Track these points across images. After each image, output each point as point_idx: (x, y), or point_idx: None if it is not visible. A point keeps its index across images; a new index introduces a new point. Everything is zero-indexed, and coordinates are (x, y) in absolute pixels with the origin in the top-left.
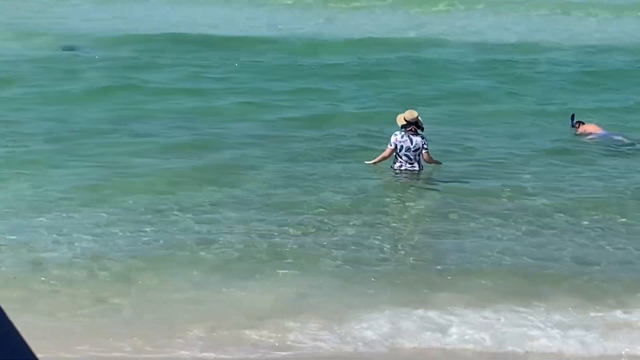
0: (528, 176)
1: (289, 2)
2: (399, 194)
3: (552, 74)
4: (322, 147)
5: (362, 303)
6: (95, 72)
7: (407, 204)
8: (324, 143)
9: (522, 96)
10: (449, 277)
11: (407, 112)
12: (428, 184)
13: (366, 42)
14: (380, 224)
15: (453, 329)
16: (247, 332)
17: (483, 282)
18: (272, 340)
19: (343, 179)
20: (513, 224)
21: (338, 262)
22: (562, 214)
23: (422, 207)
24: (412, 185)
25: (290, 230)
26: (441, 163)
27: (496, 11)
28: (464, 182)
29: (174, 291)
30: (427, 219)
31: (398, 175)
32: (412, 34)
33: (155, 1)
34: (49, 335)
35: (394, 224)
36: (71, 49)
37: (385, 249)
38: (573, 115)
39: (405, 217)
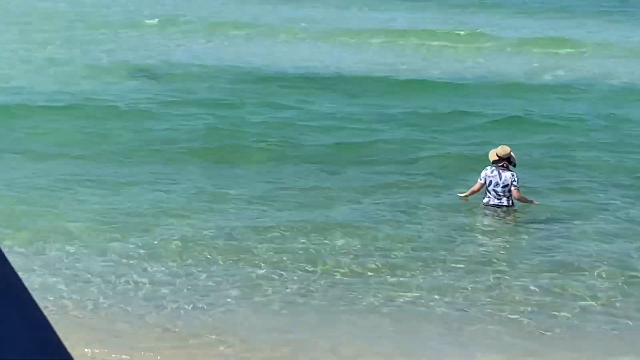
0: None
1: (418, 42)
2: (488, 237)
3: None
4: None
5: (468, 349)
6: (226, 108)
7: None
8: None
9: None
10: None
11: (499, 147)
12: (515, 222)
13: (503, 86)
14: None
15: None
16: None
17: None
18: None
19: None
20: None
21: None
22: None
23: (516, 251)
24: (498, 224)
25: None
26: (533, 202)
27: (630, 56)
28: (556, 223)
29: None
30: (515, 263)
31: (485, 211)
32: (545, 78)
33: (291, 40)
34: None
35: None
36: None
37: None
38: None
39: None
